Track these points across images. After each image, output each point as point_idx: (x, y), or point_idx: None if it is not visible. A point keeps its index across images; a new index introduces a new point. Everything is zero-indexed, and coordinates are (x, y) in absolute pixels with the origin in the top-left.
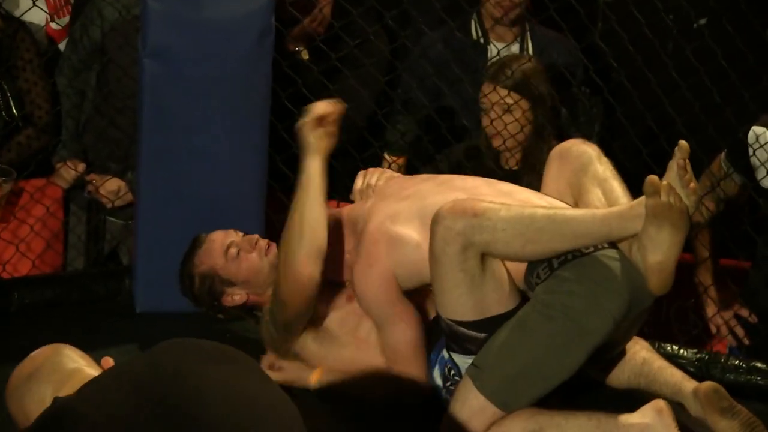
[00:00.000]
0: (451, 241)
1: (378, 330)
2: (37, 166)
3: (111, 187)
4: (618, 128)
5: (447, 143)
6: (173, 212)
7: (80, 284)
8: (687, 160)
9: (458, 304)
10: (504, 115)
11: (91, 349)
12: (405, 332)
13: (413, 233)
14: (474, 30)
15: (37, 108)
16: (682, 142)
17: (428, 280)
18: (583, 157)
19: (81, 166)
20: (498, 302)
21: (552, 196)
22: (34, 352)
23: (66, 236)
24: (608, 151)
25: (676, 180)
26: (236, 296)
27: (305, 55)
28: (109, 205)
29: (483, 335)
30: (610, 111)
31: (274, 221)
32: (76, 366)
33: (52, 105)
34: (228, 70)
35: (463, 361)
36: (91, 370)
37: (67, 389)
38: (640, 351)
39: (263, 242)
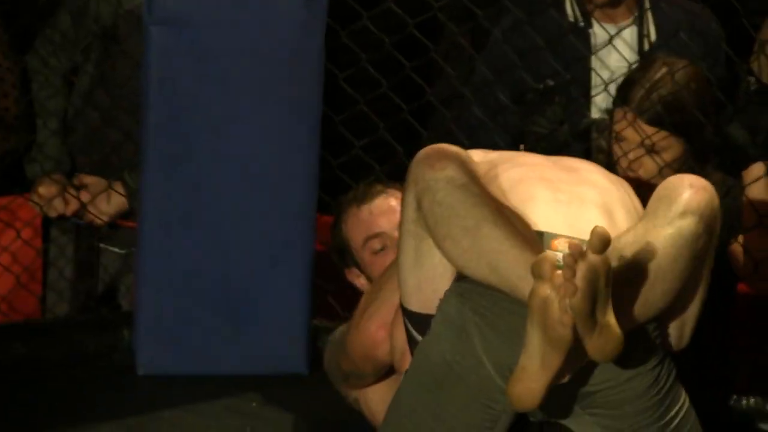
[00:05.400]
0: (408, 186)
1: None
2: (4, 176)
3: (97, 189)
4: None
5: None
6: (189, 238)
7: (63, 337)
8: (582, 257)
9: (403, 279)
10: (646, 155)
11: (78, 424)
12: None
13: None
14: (569, 7)
15: (1, 96)
16: (598, 228)
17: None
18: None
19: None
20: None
21: None
22: None
23: (45, 272)
24: None
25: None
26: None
27: None
28: (105, 219)
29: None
30: None
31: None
32: None
33: (23, 92)
34: (264, 42)
35: None
36: None
37: None
38: None
39: None
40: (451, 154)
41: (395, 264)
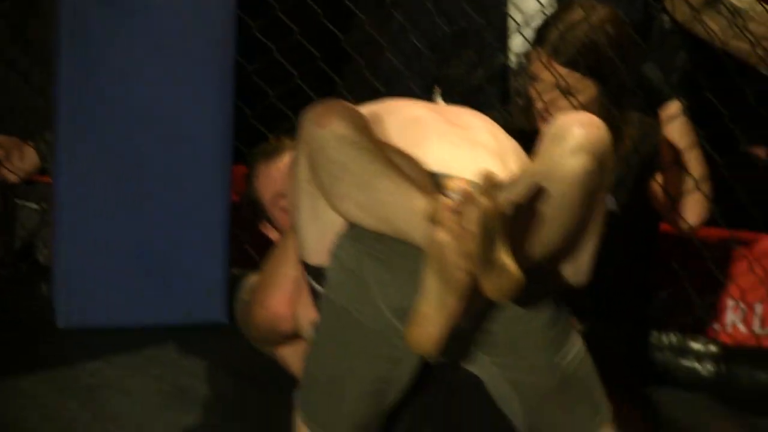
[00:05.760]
0: (300, 146)
1: None
2: None
3: (9, 147)
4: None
5: None
6: (104, 192)
7: None
8: (473, 201)
9: (302, 236)
10: (561, 97)
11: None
12: None
13: None
14: None
15: None
16: (485, 171)
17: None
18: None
19: None
20: None
21: None
22: None
23: None
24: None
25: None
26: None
27: None
28: (20, 175)
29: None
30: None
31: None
32: None
33: None
34: None
35: None
36: None
37: None
38: None
39: None
40: (340, 111)
41: (291, 235)
